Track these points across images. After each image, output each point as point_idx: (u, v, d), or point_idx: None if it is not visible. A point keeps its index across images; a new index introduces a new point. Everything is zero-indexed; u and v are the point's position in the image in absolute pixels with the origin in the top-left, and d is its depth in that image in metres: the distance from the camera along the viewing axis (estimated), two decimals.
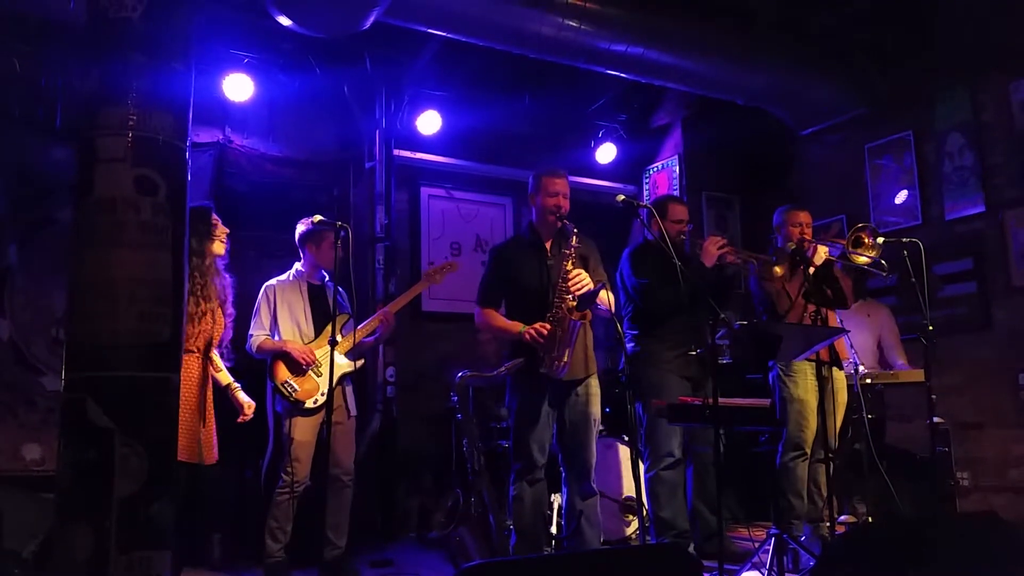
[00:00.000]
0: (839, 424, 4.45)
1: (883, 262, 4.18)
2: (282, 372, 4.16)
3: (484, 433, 5.06)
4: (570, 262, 3.69)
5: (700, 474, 4.48)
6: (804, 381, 4.34)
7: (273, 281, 4.37)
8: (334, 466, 4.17)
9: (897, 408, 5.27)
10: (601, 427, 4.02)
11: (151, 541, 2.54)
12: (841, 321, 4.47)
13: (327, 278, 4.42)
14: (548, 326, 3.63)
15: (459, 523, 4.50)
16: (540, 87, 6.26)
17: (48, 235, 4.84)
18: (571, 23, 5.07)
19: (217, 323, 3.71)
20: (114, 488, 2.49)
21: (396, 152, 5.98)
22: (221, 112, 5.48)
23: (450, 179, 6.50)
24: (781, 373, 4.39)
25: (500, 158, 6.48)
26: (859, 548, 1.98)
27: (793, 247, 4.39)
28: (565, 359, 3.63)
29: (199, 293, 3.59)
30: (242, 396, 3.91)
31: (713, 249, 4.36)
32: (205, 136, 5.43)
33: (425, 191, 6.43)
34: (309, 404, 4.17)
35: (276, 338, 4.23)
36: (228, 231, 3.84)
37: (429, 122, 5.97)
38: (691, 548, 4.22)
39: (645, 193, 7.17)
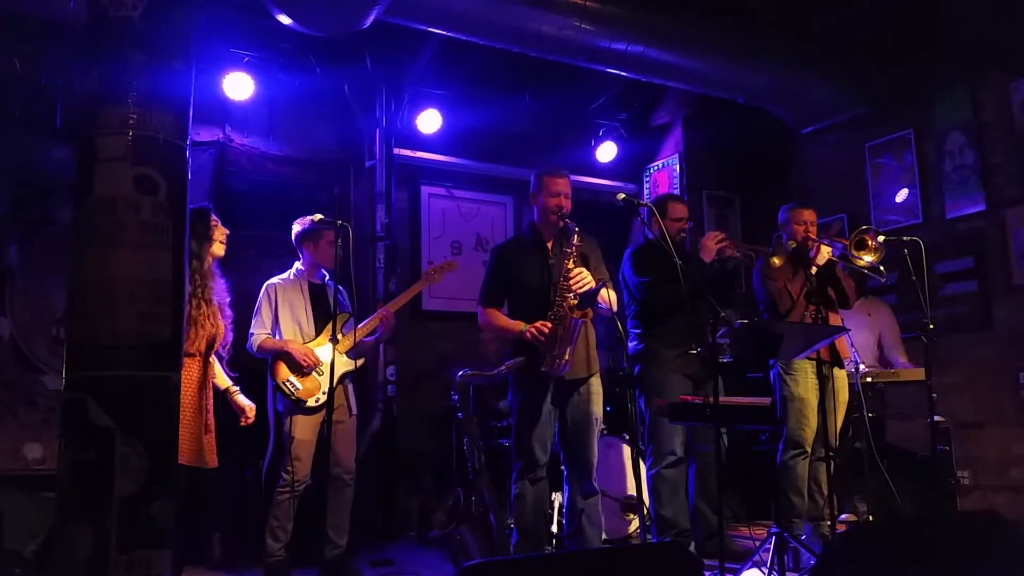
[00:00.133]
0: (840, 423, 4.45)
1: (881, 268, 4.18)
2: (283, 371, 4.16)
3: (485, 432, 5.05)
4: (571, 261, 3.68)
5: (702, 473, 4.48)
6: (804, 379, 4.34)
7: (274, 280, 4.35)
8: (335, 465, 4.16)
9: (898, 407, 5.26)
10: (603, 426, 4.02)
11: (151, 540, 2.54)
12: (842, 319, 4.47)
13: (327, 277, 4.41)
14: (549, 324, 3.63)
15: (460, 522, 4.50)
16: (540, 86, 6.26)
17: (48, 235, 4.84)
18: (571, 22, 5.07)
19: (218, 326, 3.68)
20: (114, 487, 2.48)
21: (396, 151, 5.98)
22: (221, 111, 5.48)
23: (450, 178, 6.50)
24: (781, 371, 4.39)
25: (500, 157, 6.47)
26: (860, 547, 1.98)
27: (794, 245, 4.39)
28: (566, 357, 3.63)
29: (200, 296, 3.56)
30: (242, 399, 3.88)
31: (711, 244, 4.36)
32: (205, 135, 5.43)
33: (425, 190, 6.43)
34: (310, 403, 4.16)
35: (277, 337, 4.22)
36: (228, 232, 3.80)
37: (429, 121, 5.96)
38: (692, 547, 4.23)
39: (646, 192, 7.17)
